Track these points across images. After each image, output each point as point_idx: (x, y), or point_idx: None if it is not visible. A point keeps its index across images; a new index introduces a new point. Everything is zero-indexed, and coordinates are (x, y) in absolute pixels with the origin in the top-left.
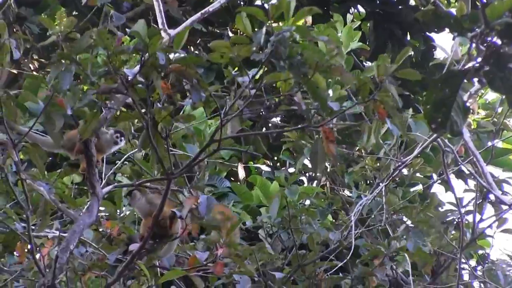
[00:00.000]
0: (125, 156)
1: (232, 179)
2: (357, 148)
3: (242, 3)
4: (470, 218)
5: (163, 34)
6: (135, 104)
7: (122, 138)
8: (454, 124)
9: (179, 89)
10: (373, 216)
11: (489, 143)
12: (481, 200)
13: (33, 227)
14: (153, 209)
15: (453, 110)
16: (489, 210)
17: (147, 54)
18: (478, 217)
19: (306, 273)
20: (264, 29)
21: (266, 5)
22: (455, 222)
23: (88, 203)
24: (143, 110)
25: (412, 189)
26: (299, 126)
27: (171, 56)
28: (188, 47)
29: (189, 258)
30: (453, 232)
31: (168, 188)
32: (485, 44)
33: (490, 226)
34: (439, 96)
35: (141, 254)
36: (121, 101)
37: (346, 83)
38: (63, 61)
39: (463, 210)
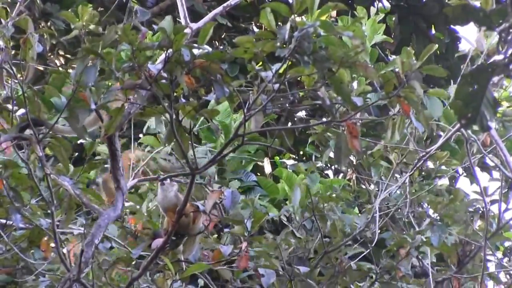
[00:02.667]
0: (154, 153)
1: (258, 173)
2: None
3: None
4: (495, 207)
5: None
6: (159, 100)
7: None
8: (483, 119)
9: (203, 83)
10: (398, 210)
11: None
12: (506, 190)
13: (58, 223)
14: (178, 203)
15: (482, 105)
16: None
17: (171, 50)
18: (503, 206)
19: (331, 260)
20: (288, 25)
21: (290, 0)
22: (480, 212)
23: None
24: (167, 105)
25: (438, 182)
26: (324, 120)
27: (196, 51)
28: (213, 41)
29: (214, 252)
30: (479, 222)
31: (192, 183)
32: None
33: None
34: (468, 91)
35: (165, 250)
36: (145, 97)
37: (370, 78)
38: (88, 56)
39: (488, 200)
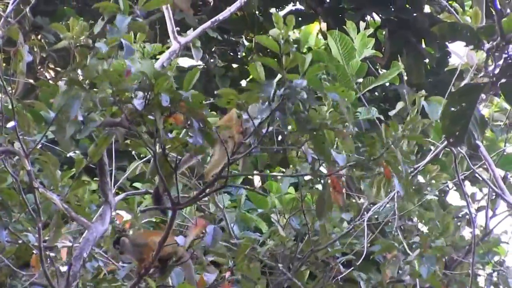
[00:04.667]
0: (135, 164)
1: (248, 186)
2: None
3: (256, 12)
4: (483, 214)
5: (173, 42)
6: (141, 137)
7: None
8: (471, 137)
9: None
10: (388, 224)
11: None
12: (494, 197)
13: (46, 238)
14: (140, 249)
15: (470, 123)
16: (502, 206)
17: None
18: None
19: (319, 260)
20: (274, 83)
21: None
22: (467, 217)
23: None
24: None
25: (428, 196)
26: (306, 173)
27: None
28: (204, 55)
29: (198, 279)
30: (466, 228)
31: (174, 218)
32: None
33: (505, 231)
34: (456, 110)
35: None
36: (123, 133)
37: (347, 147)
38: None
39: (475, 207)
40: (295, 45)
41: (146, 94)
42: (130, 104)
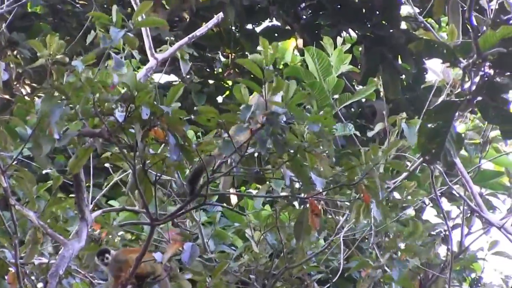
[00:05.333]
0: (112, 181)
1: (224, 203)
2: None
3: (233, 28)
4: (458, 231)
5: (150, 59)
6: (121, 151)
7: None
8: (447, 155)
9: None
10: (365, 240)
11: (477, 158)
12: (469, 214)
13: (23, 255)
14: (119, 265)
15: (446, 141)
16: (477, 224)
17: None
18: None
19: (293, 277)
20: (252, 108)
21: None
22: (442, 234)
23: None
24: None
25: (404, 212)
26: (286, 194)
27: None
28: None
29: None
30: (441, 246)
31: (152, 234)
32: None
33: (481, 248)
34: (432, 127)
35: None
36: (102, 145)
37: (325, 170)
38: (55, 94)
39: (451, 223)
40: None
41: (127, 106)
42: (111, 115)
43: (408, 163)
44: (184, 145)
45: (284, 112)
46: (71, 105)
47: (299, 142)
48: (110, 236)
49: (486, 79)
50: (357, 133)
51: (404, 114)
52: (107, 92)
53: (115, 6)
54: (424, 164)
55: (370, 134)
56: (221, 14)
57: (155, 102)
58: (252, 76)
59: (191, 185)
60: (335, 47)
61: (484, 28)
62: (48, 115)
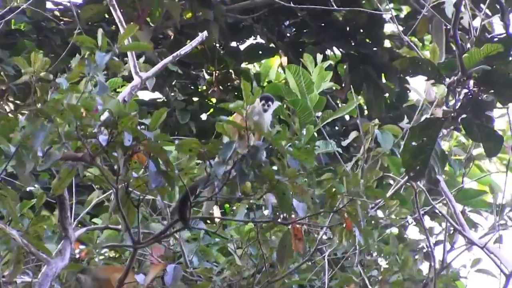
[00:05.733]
0: (95, 201)
1: (208, 221)
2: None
3: (217, 45)
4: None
5: (134, 77)
6: (103, 174)
7: (270, 102)
8: (432, 172)
9: None
10: (348, 259)
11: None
12: (452, 231)
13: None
14: (100, 283)
15: (431, 158)
16: (460, 240)
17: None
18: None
19: None
20: (233, 146)
21: None
22: (424, 251)
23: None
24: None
25: (387, 231)
26: (267, 220)
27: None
28: (164, 89)
29: None
30: (424, 263)
31: (134, 256)
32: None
33: (464, 266)
34: (417, 144)
35: None
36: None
37: (306, 201)
38: (39, 117)
39: (434, 240)
40: (255, 80)
41: (109, 130)
42: (94, 139)
43: (391, 182)
44: (166, 171)
45: (264, 146)
46: (54, 128)
47: (280, 174)
48: (92, 255)
49: (471, 96)
50: (339, 150)
51: (376, 121)
52: (91, 116)
53: (100, 30)
54: (407, 183)
55: (344, 143)
56: (205, 33)
57: (138, 127)
58: (236, 94)
59: (181, 212)
60: (316, 64)
61: (468, 45)
62: (32, 138)
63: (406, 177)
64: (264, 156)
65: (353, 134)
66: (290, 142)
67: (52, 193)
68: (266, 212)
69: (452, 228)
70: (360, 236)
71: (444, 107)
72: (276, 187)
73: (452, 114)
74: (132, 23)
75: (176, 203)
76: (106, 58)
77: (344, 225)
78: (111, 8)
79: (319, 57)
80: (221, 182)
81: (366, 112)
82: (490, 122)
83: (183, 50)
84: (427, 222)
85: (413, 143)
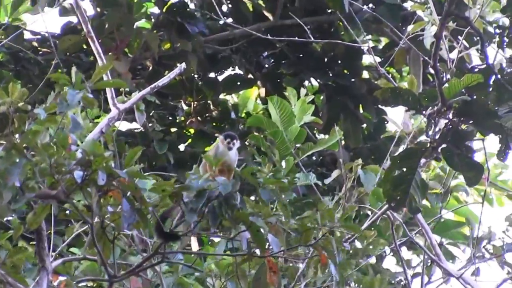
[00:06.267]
0: (75, 233)
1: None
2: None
3: (195, 76)
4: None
5: (112, 108)
6: (77, 211)
7: (234, 141)
8: (412, 201)
9: None
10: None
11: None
12: (429, 263)
13: None
14: None
15: (411, 188)
16: (438, 273)
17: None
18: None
19: None
20: (205, 195)
21: None
22: (402, 283)
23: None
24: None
25: (365, 261)
26: (243, 253)
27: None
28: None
29: None
30: None
31: None
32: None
33: None
34: (397, 174)
35: None
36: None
37: (280, 240)
38: (14, 153)
39: (411, 272)
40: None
41: (84, 169)
42: (69, 175)
43: (369, 213)
44: (140, 209)
45: (237, 187)
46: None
47: (253, 214)
48: (70, 287)
49: (451, 126)
50: (319, 182)
51: (360, 161)
52: (66, 154)
53: (74, 68)
54: (384, 215)
55: (327, 181)
56: (183, 65)
57: (112, 164)
58: (214, 124)
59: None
60: (298, 97)
61: (448, 76)
62: (6, 176)
63: (384, 208)
64: (238, 198)
65: (335, 173)
66: (259, 173)
67: (27, 228)
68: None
69: (429, 260)
70: (335, 269)
71: (424, 137)
72: (251, 227)
73: (432, 144)
74: (110, 54)
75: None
76: (78, 96)
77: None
78: (89, 39)
79: (302, 90)
80: (196, 220)
81: (343, 142)
82: (470, 152)
83: (161, 82)
84: (405, 253)
85: (394, 173)
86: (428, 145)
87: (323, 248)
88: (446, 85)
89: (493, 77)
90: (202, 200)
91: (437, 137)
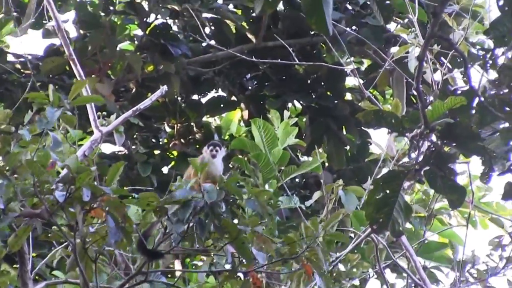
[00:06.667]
0: (55, 250)
1: (169, 275)
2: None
3: (178, 98)
4: None
5: (95, 131)
6: (60, 230)
7: (218, 148)
8: (395, 224)
9: None
10: None
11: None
12: (413, 287)
13: None
14: None
15: (394, 210)
16: None
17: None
18: None
19: None
20: (191, 205)
21: None
22: None
23: None
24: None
25: (349, 284)
26: (228, 269)
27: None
28: (125, 141)
29: None
30: None
31: None
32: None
33: None
34: (380, 197)
35: None
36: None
37: (268, 250)
38: None
39: None
40: (216, 133)
41: (67, 186)
42: (51, 195)
43: (352, 235)
44: (124, 227)
45: (222, 196)
46: (12, 184)
47: (241, 225)
48: None
49: (433, 149)
50: (303, 206)
51: (341, 181)
52: (48, 173)
53: (51, 85)
54: (367, 238)
55: (308, 203)
56: (165, 87)
57: (96, 182)
58: (197, 146)
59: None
60: (282, 119)
61: (431, 98)
62: None
63: (367, 231)
64: (223, 206)
65: (316, 194)
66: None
67: (9, 250)
68: (227, 266)
69: (413, 284)
70: (321, 281)
71: (407, 160)
72: (236, 238)
73: (415, 167)
74: (93, 76)
75: (136, 249)
76: (57, 113)
77: (304, 271)
78: (70, 62)
79: (286, 113)
80: (180, 235)
81: (326, 164)
82: (453, 175)
83: (143, 104)
84: (389, 276)
85: (376, 196)
86: (411, 167)
87: (308, 259)
88: (430, 107)
89: (477, 100)
90: (188, 209)
91: (420, 159)
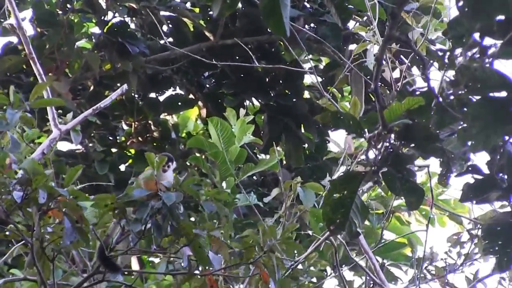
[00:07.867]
0: (13, 248)
1: (126, 273)
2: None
3: (136, 96)
4: None
5: (53, 129)
6: (18, 230)
7: (170, 163)
8: (352, 225)
9: None
10: None
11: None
12: (372, 285)
13: None
14: None
15: (351, 211)
16: None
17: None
18: None
19: None
20: (149, 205)
21: None
22: None
23: None
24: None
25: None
26: (184, 272)
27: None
28: (83, 140)
29: None
30: None
31: None
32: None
33: None
34: (337, 197)
35: None
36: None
37: (224, 255)
38: None
39: None
40: (174, 131)
41: (24, 188)
42: (9, 195)
43: (310, 233)
44: (80, 227)
45: (180, 198)
46: None
47: (198, 228)
48: None
49: (391, 150)
50: (260, 204)
51: (299, 178)
52: (6, 174)
53: (12, 87)
54: (327, 241)
55: (266, 200)
56: (125, 86)
57: (53, 183)
58: (155, 144)
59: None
60: (238, 117)
61: (390, 100)
62: None
63: (326, 235)
64: (181, 209)
65: (274, 191)
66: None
67: None
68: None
69: (372, 282)
70: (275, 287)
71: (364, 160)
72: (193, 241)
73: (373, 168)
74: (50, 74)
75: (96, 257)
76: (17, 115)
77: (261, 276)
78: (30, 61)
79: (242, 111)
80: (137, 236)
81: (284, 162)
82: (411, 176)
83: (103, 103)
84: (347, 274)
85: (334, 197)
86: (368, 168)
87: (264, 265)
88: (387, 109)
89: (435, 100)
90: (146, 210)
91: (377, 160)
